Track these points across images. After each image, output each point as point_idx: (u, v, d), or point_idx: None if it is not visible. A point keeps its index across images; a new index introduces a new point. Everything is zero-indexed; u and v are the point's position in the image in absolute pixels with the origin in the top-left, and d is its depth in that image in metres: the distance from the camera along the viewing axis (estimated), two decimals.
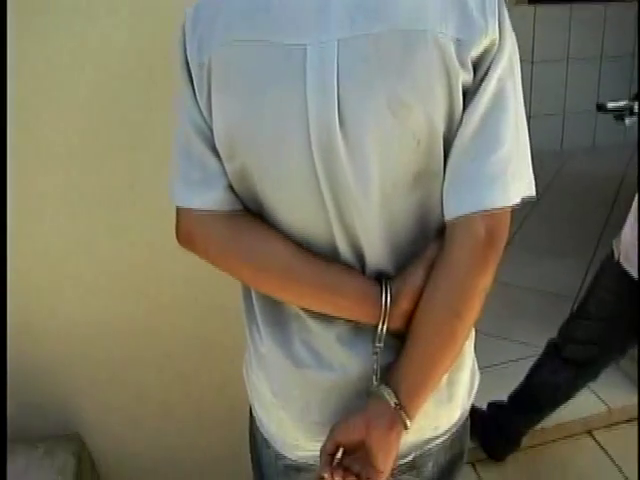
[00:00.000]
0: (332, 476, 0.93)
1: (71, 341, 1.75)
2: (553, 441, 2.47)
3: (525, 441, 2.36)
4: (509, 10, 0.87)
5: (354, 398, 0.98)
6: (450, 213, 0.88)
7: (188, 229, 0.96)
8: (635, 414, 2.50)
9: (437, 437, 1.09)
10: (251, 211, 0.96)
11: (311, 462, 1.09)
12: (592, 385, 2.32)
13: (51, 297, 1.69)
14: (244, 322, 1.08)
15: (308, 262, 0.93)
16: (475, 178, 0.86)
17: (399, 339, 0.94)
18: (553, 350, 2.12)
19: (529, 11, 5.03)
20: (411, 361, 0.92)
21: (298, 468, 1.15)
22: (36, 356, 1.74)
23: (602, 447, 2.45)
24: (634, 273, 1.75)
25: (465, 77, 0.84)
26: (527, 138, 0.90)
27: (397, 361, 0.94)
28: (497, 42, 0.84)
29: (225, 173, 0.93)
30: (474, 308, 0.90)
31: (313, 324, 0.97)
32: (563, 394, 2.15)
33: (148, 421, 1.93)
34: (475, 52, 0.83)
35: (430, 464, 1.12)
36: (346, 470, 0.94)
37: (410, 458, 1.08)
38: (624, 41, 5.23)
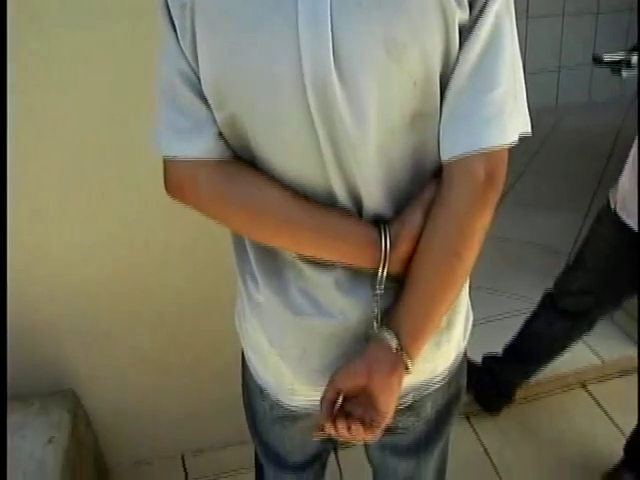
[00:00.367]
0: (335, 425, 0.93)
1: (65, 300, 1.75)
2: (547, 394, 2.49)
3: (519, 394, 2.37)
4: None
5: (353, 344, 0.97)
6: (447, 153, 0.87)
7: (178, 179, 0.93)
8: (629, 367, 2.52)
9: (435, 379, 1.09)
10: (243, 159, 0.94)
11: (308, 408, 1.09)
12: (586, 338, 2.32)
13: (45, 257, 1.69)
14: (236, 273, 1.06)
15: (306, 207, 0.91)
16: (472, 117, 0.84)
17: (398, 282, 0.94)
18: (549, 301, 2.12)
19: None
20: (412, 303, 0.92)
21: (294, 417, 1.15)
22: (30, 314, 1.74)
23: (595, 399, 2.47)
24: (631, 223, 1.73)
25: (461, 15, 0.81)
26: (522, 75, 0.89)
27: (397, 304, 0.93)
28: None
29: (214, 120, 0.89)
30: (473, 248, 0.89)
31: (310, 271, 0.96)
32: (559, 345, 2.15)
33: (143, 377, 1.94)
34: None
35: (429, 405, 1.13)
36: (348, 415, 0.94)
37: (409, 399, 1.09)
38: None
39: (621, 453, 2.07)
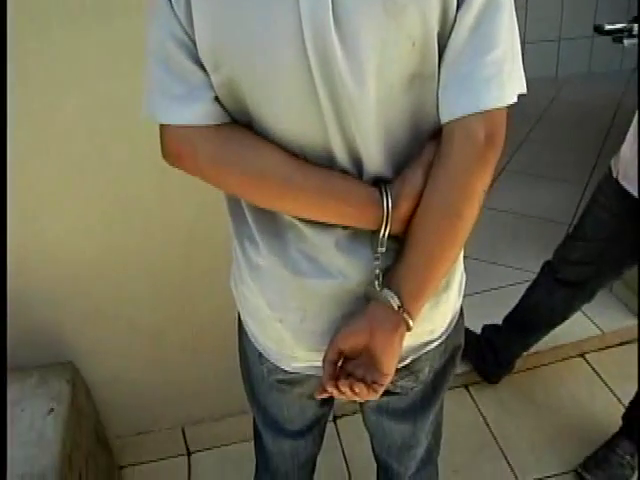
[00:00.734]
0: (337, 387, 0.94)
1: (65, 273, 1.75)
2: (547, 364, 2.50)
3: (519, 364, 2.38)
4: None
5: (353, 305, 0.98)
6: (447, 115, 0.87)
7: (175, 146, 0.92)
8: (627, 337, 2.53)
9: (433, 341, 1.11)
10: (240, 124, 0.93)
11: (308, 372, 1.10)
12: (585, 309, 2.33)
13: (45, 230, 1.68)
14: (233, 238, 1.06)
15: (306, 169, 0.91)
16: (471, 79, 0.85)
17: (398, 243, 0.94)
18: (549, 271, 2.12)
19: None
20: (413, 263, 0.92)
21: (291, 381, 1.16)
22: (30, 286, 1.74)
23: (595, 370, 2.48)
24: (633, 190, 1.72)
25: None
26: (518, 35, 0.88)
27: (398, 264, 0.93)
28: None
29: (210, 85, 0.88)
30: (474, 208, 0.90)
31: (309, 232, 0.96)
32: (558, 315, 2.15)
33: (142, 349, 1.94)
34: None
35: (427, 369, 1.15)
36: (350, 376, 0.94)
37: (408, 361, 1.10)
38: None
39: (619, 422, 2.08)
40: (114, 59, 1.49)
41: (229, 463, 2.15)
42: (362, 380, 0.93)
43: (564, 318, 2.16)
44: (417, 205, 0.91)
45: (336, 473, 2.10)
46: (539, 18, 4.92)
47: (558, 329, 2.21)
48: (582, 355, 2.54)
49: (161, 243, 1.77)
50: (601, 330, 2.56)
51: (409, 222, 0.92)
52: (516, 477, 2.08)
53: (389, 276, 0.93)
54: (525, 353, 2.34)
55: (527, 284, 2.25)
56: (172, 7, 0.84)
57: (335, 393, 0.95)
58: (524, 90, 0.89)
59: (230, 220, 1.05)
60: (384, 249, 0.92)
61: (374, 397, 0.95)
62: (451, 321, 1.13)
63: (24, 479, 1.48)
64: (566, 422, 2.26)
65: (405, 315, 0.91)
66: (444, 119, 0.88)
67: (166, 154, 0.94)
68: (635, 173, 1.68)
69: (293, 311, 1.01)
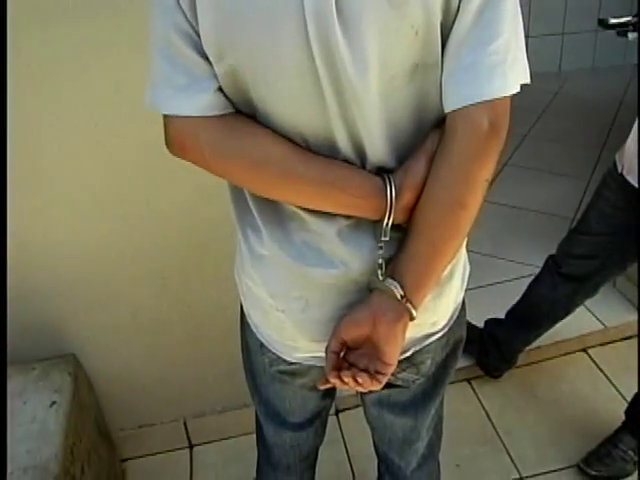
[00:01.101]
0: (340, 378, 0.93)
1: (65, 263, 1.74)
2: (549, 359, 2.49)
3: (521, 358, 2.38)
4: None
5: (355, 295, 0.98)
6: (450, 104, 0.87)
7: (179, 137, 0.92)
8: (630, 332, 2.52)
9: (435, 333, 1.11)
10: (244, 114, 0.93)
11: (309, 362, 1.10)
12: (588, 304, 2.32)
13: (45, 220, 1.68)
14: (236, 227, 1.06)
15: (309, 159, 0.90)
16: (475, 68, 0.84)
17: (400, 232, 0.94)
18: (552, 265, 2.11)
19: None
20: (416, 253, 0.92)
21: (293, 373, 1.16)
22: (31, 278, 1.74)
23: (597, 365, 2.48)
24: (637, 185, 1.71)
25: None
26: (522, 26, 0.88)
27: (400, 253, 0.93)
28: None
29: (214, 75, 0.88)
30: (477, 198, 0.89)
31: (312, 222, 0.96)
32: (562, 309, 2.15)
33: (144, 340, 1.94)
34: None
35: (428, 362, 1.15)
36: (352, 366, 0.94)
37: (410, 353, 1.10)
38: None
39: (622, 417, 2.08)
40: (115, 51, 1.48)
41: (231, 456, 2.15)
42: (365, 370, 0.93)
43: (567, 312, 2.15)
44: (420, 195, 0.90)
45: (338, 467, 2.10)
46: (543, 12, 4.90)
47: (561, 323, 2.21)
48: (585, 350, 2.54)
49: (163, 235, 1.76)
50: (604, 325, 2.55)
51: (412, 212, 0.92)
52: (518, 471, 2.08)
53: (392, 266, 0.93)
54: (527, 347, 2.34)
55: (530, 278, 2.25)
56: None
57: (338, 383, 0.95)
58: (528, 80, 0.89)
59: (233, 209, 1.05)
60: (387, 239, 0.92)
61: (377, 387, 0.95)
62: (453, 313, 1.13)
63: (26, 472, 1.48)
64: (568, 417, 2.26)
65: (408, 305, 0.91)
66: (447, 108, 0.87)
67: (169, 145, 0.94)
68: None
69: (295, 301, 1.01)
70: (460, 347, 1.23)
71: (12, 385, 1.71)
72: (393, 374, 1.00)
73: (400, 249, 0.93)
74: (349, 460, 2.13)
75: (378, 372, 0.93)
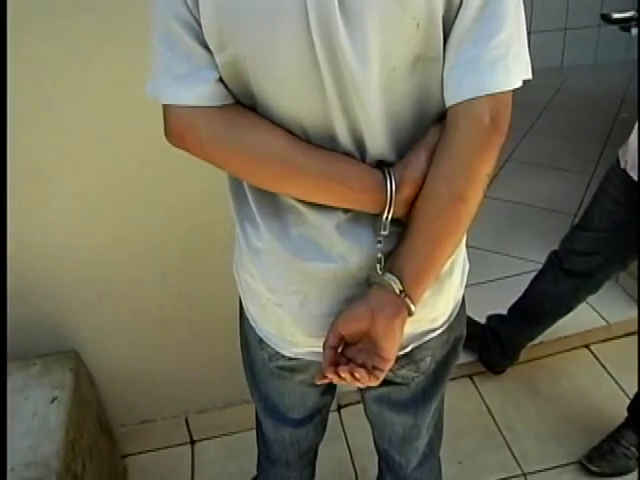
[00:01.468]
0: (337, 373, 0.93)
1: (67, 259, 1.74)
2: (551, 355, 2.49)
3: (524, 354, 2.37)
4: None
5: (353, 289, 0.98)
6: (452, 98, 0.87)
7: (178, 126, 0.92)
8: (633, 328, 2.52)
9: (434, 329, 1.10)
10: (244, 105, 0.93)
11: (309, 358, 1.10)
12: (591, 300, 2.31)
13: (46, 216, 1.67)
14: (234, 220, 1.05)
15: (309, 151, 0.90)
16: (477, 62, 0.84)
17: (400, 226, 0.94)
18: (555, 261, 2.10)
19: None
20: (415, 247, 0.91)
21: (292, 368, 1.16)
22: (31, 274, 1.73)
23: (600, 361, 2.47)
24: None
25: None
26: (524, 20, 0.88)
27: (400, 248, 0.93)
28: None
29: (215, 65, 0.88)
30: (478, 192, 0.89)
31: (310, 215, 0.95)
32: (564, 305, 2.14)
33: (145, 337, 1.93)
34: None
35: (428, 359, 1.14)
36: (350, 361, 0.94)
37: (409, 349, 1.09)
38: None
39: (624, 413, 2.07)
40: (116, 46, 1.47)
41: (233, 452, 2.15)
42: (362, 366, 0.93)
43: (570, 309, 2.15)
44: (420, 188, 0.90)
45: (340, 463, 2.10)
46: (545, 7, 4.89)
47: (563, 320, 2.20)
48: (587, 346, 2.53)
49: (165, 229, 1.76)
50: (606, 321, 2.54)
51: (412, 205, 0.91)
52: (520, 468, 2.07)
53: (391, 260, 0.93)
54: (530, 343, 2.33)
55: (532, 274, 2.24)
56: None
57: (335, 379, 0.94)
58: (529, 76, 0.88)
59: (232, 202, 1.04)
60: (386, 233, 0.92)
61: (375, 383, 0.94)
62: (453, 310, 1.13)
63: (28, 468, 1.48)
64: (570, 413, 2.25)
65: (407, 300, 0.91)
66: (449, 102, 0.87)
67: (169, 134, 0.94)
68: None
69: (293, 295, 1.01)
70: (460, 344, 1.23)
71: (13, 381, 1.71)
72: (392, 371, 1.00)
73: (399, 243, 0.93)
74: (351, 456, 2.13)
75: (376, 368, 0.93)
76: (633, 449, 2.01)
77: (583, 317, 2.44)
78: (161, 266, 1.82)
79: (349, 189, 0.90)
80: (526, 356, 2.40)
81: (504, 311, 2.32)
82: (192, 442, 2.21)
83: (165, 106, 0.91)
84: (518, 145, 3.88)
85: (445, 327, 1.12)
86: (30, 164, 1.58)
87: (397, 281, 0.90)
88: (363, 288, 0.95)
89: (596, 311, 2.57)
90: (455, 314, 1.14)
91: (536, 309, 2.21)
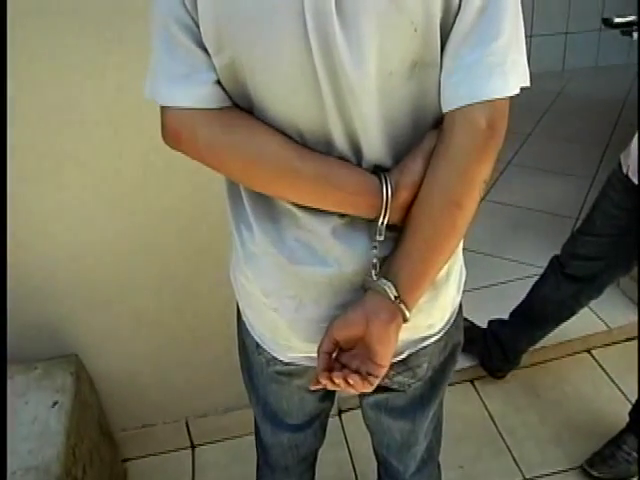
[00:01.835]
0: (331, 379, 0.92)
1: (67, 263, 1.74)
2: (553, 359, 2.49)
3: (525, 359, 2.37)
4: None
5: (349, 294, 0.97)
6: (449, 104, 0.87)
7: (175, 128, 0.92)
8: (634, 333, 2.51)
9: (431, 336, 1.09)
10: (241, 108, 0.93)
11: (304, 363, 1.09)
12: (592, 304, 2.31)
13: (46, 219, 1.67)
14: (230, 223, 1.05)
15: (305, 155, 0.90)
16: (474, 68, 0.84)
17: (396, 232, 0.93)
18: (557, 266, 2.10)
19: None
20: (410, 252, 0.91)
21: (290, 373, 1.16)
22: (32, 278, 1.73)
23: (601, 365, 2.47)
24: None
25: None
26: (523, 27, 0.87)
27: (395, 253, 0.93)
28: None
29: (212, 68, 0.88)
30: (474, 198, 0.89)
31: (306, 219, 0.95)
32: (566, 310, 2.14)
33: (146, 341, 1.93)
34: None
35: (425, 365, 1.14)
36: (344, 367, 0.94)
37: (405, 355, 1.09)
38: None
39: (626, 418, 2.07)
40: (117, 48, 1.48)
41: (233, 456, 2.14)
42: (356, 372, 0.92)
43: (572, 313, 2.14)
44: (416, 194, 0.90)
45: (341, 467, 2.10)
46: (547, 11, 4.90)
47: (564, 324, 2.20)
48: (588, 351, 2.53)
49: (165, 233, 1.76)
50: (607, 326, 2.54)
51: (408, 211, 0.91)
52: (521, 472, 2.07)
53: (386, 266, 0.93)
54: (531, 348, 2.33)
55: (533, 279, 2.24)
56: None
57: (329, 385, 0.94)
58: (527, 83, 0.88)
59: (228, 205, 1.04)
60: (382, 238, 0.92)
61: (369, 389, 0.94)
62: (450, 316, 1.12)
63: (28, 472, 1.47)
64: (572, 418, 2.25)
65: (401, 305, 0.90)
66: (446, 108, 0.87)
67: (166, 136, 0.94)
68: None
69: (288, 299, 1.00)
70: (458, 351, 1.22)
71: (14, 385, 1.71)
72: (389, 377, 0.99)
73: (395, 249, 0.93)
74: (351, 461, 2.12)
75: (370, 374, 0.92)
76: (635, 454, 2.00)
77: (584, 321, 2.44)
78: (162, 271, 1.82)
79: (345, 193, 0.90)
80: (527, 361, 2.40)
81: (505, 315, 2.32)
82: (193, 446, 2.21)
83: (162, 107, 0.91)
84: (519, 149, 3.88)
85: (442, 334, 1.11)
86: (30, 167, 1.58)
87: (392, 287, 0.90)
88: (359, 293, 0.95)
89: (597, 316, 2.56)
90: (452, 321, 1.13)
91: (538, 314, 2.20)
